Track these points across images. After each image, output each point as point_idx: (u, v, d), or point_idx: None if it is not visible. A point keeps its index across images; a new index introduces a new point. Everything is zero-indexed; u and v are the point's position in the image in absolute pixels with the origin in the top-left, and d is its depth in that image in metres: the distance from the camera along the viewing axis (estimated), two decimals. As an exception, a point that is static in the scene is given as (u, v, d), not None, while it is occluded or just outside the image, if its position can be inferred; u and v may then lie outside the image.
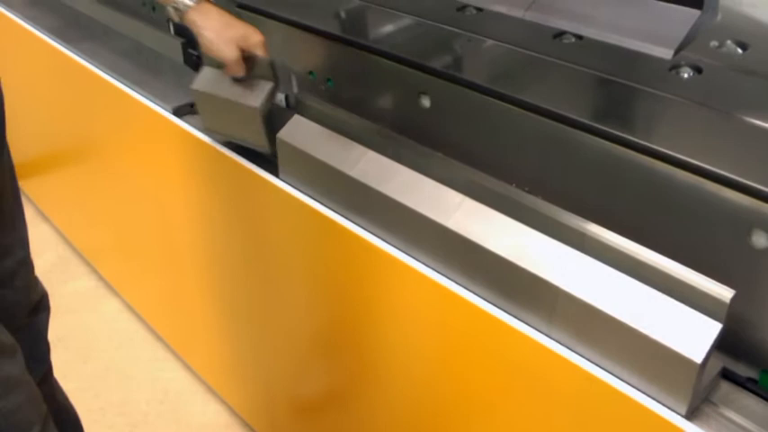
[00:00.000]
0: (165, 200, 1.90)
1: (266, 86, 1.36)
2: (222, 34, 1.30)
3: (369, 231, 1.24)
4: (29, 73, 2.48)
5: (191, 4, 1.30)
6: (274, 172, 1.40)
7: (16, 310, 1.45)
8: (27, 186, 3.11)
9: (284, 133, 1.36)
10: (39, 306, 1.54)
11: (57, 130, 2.53)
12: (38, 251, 2.75)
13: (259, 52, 1.32)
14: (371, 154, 1.26)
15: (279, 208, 1.43)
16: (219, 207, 1.65)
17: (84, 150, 2.37)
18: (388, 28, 1.35)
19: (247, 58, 1.33)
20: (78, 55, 2.02)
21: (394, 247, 1.21)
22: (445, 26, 1.29)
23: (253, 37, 1.31)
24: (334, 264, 1.35)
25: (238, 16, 1.48)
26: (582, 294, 0.97)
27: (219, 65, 1.36)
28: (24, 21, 2.29)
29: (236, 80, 1.37)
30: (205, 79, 1.41)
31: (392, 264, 1.20)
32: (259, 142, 1.41)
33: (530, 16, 1.26)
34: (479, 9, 1.32)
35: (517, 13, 1.26)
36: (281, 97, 1.56)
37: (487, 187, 1.11)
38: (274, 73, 1.36)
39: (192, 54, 1.74)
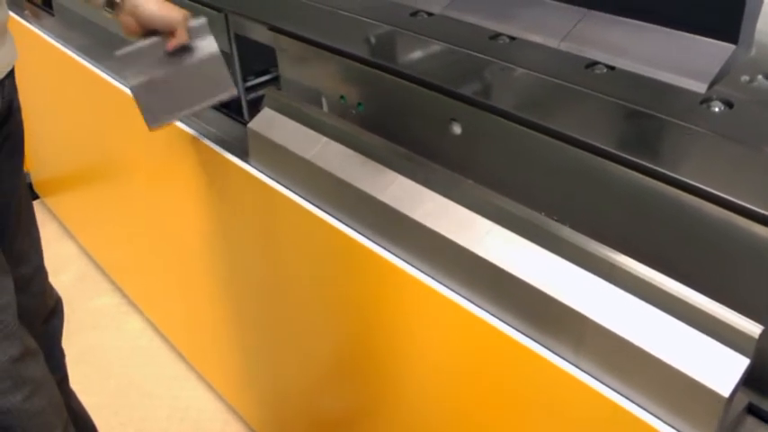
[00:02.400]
0: (188, 219, 1.92)
1: (210, 38, 1.47)
2: (162, 3, 1.39)
3: (397, 256, 1.25)
4: (58, 91, 2.52)
5: None
6: (302, 196, 1.43)
7: (33, 316, 1.50)
8: (52, 203, 3.16)
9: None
10: (53, 311, 1.59)
11: (83, 147, 2.56)
12: (61, 268, 2.82)
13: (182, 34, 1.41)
14: (401, 179, 1.27)
15: (303, 230, 1.45)
16: (241, 227, 1.67)
17: (110, 168, 2.40)
18: (421, 54, 1.37)
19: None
20: (106, 73, 2.05)
21: (421, 271, 1.22)
22: (477, 54, 1.31)
23: (185, 19, 1.42)
24: (358, 286, 1.37)
25: (271, 39, 1.52)
26: (610, 325, 0.98)
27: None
28: (56, 40, 2.34)
29: (174, 54, 1.45)
30: (140, 70, 1.47)
31: (418, 288, 1.21)
32: (228, 87, 1.49)
33: (564, 46, 1.28)
34: (512, 38, 1.34)
35: (552, 43, 1.28)
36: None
37: (517, 215, 1.12)
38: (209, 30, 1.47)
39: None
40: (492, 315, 1.13)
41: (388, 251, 1.27)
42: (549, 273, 1.07)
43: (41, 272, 1.53)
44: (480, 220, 1.17)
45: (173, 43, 1.43)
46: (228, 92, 1.49)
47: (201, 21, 1.47)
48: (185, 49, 1.46)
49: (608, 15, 1.26)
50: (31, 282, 1.49)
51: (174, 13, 1.41)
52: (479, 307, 1.14)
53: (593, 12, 1.28)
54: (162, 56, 1.46)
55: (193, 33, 1.47)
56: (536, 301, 1.06)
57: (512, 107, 1.21)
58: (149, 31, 1.44)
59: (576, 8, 1.29)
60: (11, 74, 1.37)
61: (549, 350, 1.06)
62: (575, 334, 1.02)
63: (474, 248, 1.14)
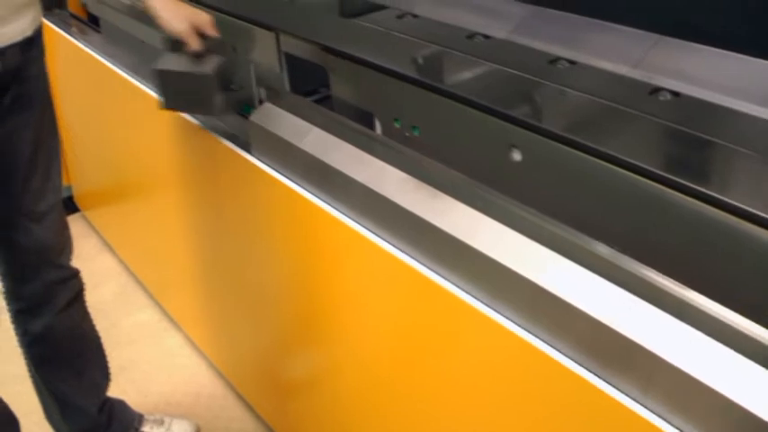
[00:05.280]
0: (229, 234, 1.91)
1: (218, 59, 1.62)
2: (176, 13, 1.59)
3: (455, 284, 1.23)
4: (101, 106, 2.53)
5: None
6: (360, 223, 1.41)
7: (47, 248, 1.78)
8: (92, 217, 3.16)
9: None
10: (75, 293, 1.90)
11: (124, 162, 2.57)
12: (101, 282, 2.82)
13: (208, 30, 1.61)
14: (459, 205, 1.25)
15: (356, 253, 1.43)
16: (287, 245, 1.66)
17: (150, 183, 2.40)
18: (478, 78, 1.35)
19: (203, 37, 1.60)
20: (151, 89, 2.05)
21: (479, 300, 1.19)
22: (536, 78, 1.28)
23: (201, 15, 1.60)
24: (423, 319, 1.34)
25: (323, 59, 1.51)
26: (682, 364, 0.95)
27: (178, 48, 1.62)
28: (101, 55, 2.34)
29: (195, 56, 1.62)
30: (165, 60, 1.66)
31: (477, 318, 1.19)
32: (211, 110, 1.68)
33: (631, 72, 1.25)
34: (571, 62, 1.31)
35: (620, 68, 1.25)
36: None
37: (579, 245, 1.09)
38: (225, 50, 1.64)
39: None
40: (553, 348, 1.10)
41: (445, 279, 1.24)
42: (615, 307, 1.03)
43: (56, 209, 1.78)
44: (541, 249, 1.14)
45: (185, 48, 1.62)
46: (214, 113, 1.70)
47: (217, 37, 1.62)
48: (202, 56, 1.62)
49: (681, 42, 1.23)
50: (45, 216, 1.74)
51: (176, 26, 1.59)
52: (539, 338, 1.11)
53: (665, 38, 1.24)
54: (191, 56, 1.62)
55: (212, 45, 1.62)
56: (602, 335, 1.03)
57: (574, 134, 1.19)
58: None
59: (648, 34, 1.26)
60: (20, 45, 1.55)
61: (615, 388, 1.02)
62: (644, 372, 0.98)
63: (535, 278, 1.11)
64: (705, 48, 1.22)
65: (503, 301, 1.16)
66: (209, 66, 1.61)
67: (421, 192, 1.31)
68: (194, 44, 1.60)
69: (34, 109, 1.67)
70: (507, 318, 1.16)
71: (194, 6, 1.64)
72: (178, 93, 1.68)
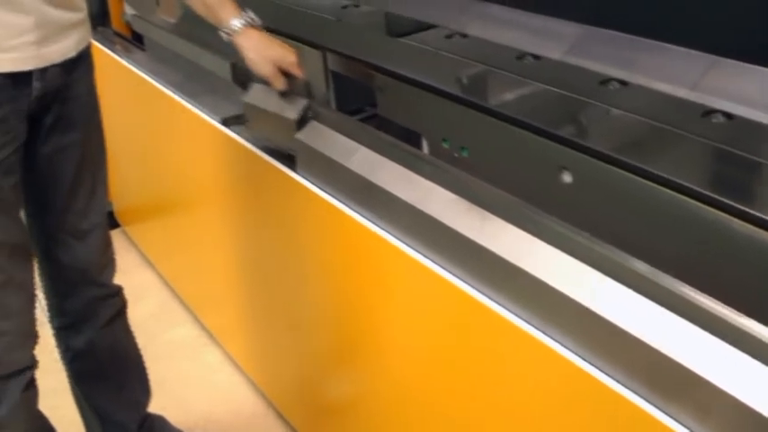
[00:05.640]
0: (272, 251, 1.92)
1: (303, 103, 1.62)
2: (262, 54, 1.58)
3: (505, 307, 1.21)
4: (144, 122, 2.55)
5: (238, 28, 1.58)
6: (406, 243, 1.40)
7: (88, 265, 1.79)
8: (132, 232, 3.19)
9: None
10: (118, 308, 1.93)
11: (165, 178, 2.58)
12: (140, 297, 2.83)
13: (294, 71, 1.59)
14: (510, 228, 1.24)
15: (402, 274, 1.42)
16: (330, 263, 1.66)
17: (190, 199, 2.42)
18: (528, 98, 1.35)
19: (289, 76, 1.60)
20: (195, 106, 2.07)
21: (529, 324, 1.18)
22: (586, 99, 1.27)
23: (288, 57, 1.58)
24: (471, 342, 1.33)
25: (371, 79, 1.50)
26: (741, 395, 0.93)
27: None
28: (145, 73, 2.36)
29: (281, 94, 1.62)
30: (254, 94, 1.68)
31: (527, 342, 1.17)
32: (290, 147, 1.67)
33: (685, 94, 1.23)
34: (623, 82, 1.30)
35: (676, 90, 1.24)
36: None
37: (632, 269, 1.07)
38: (309, 91, 1.63)
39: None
40: (605, 374, 1.08)
41: (495, 301, 1.23)
42: (671, 335, 1.01)
43: (100, 228, 1.79)
44: (593, 273, 1.12)
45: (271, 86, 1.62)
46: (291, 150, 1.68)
47: (301, 80, 1.62)
48: (288, 95, 1.62)
49: (737, 63, 1.21)
50: (88, 234, 1.75)
51: (262, 68, 1.59)
52: (591, 364, 1.10)
53: (721, 59, 1.23)
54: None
55: (297, 86, 1.62)
56: (658, 364, 1.01)
57: (622, 154, 1.18)
58: None
59: (704, 55, 1.24)
60: (62, 65, 1.55)
61: (671, 417, 1.00)
62: (702, 403, 0.96)
63: (587, 303, 1.09)
64: (762, 69, 1.20)
65: (554, 326, 1.15)
66: (294, 110, 1.62)
67: (470, 213, 1.30)
68: (279, 85, 1.61)
69: (78, 129, 1.67)
70: (558, 342, 1.14)
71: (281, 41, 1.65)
72: (262, 126, 1.72)
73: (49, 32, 1.50)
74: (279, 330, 2.06)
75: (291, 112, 1.62)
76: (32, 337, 1.64)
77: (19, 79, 1.48)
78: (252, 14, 1.60)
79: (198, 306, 2.72)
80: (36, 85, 1.51)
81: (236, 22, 1.58)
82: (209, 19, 1.63)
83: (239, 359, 2.47)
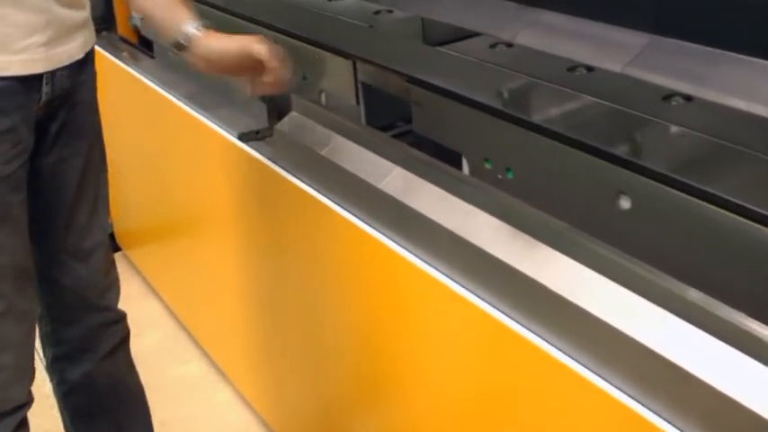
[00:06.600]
0: (290, 280, 1.92)
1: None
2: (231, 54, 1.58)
3: (554, 345, 1.22)
4: (152, 137, 2.57)
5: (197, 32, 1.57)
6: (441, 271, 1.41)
7: (90, 288, 1.81)
8: (135, 257, 3.20)
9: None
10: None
11: (175, 198, 2.60)
12: (144, 329, 2.84)
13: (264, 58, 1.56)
14: (561, 257, 1.24)
15: (439, 306, 1.43)
16: (356, 291, 1.67)
17: (200, 223, 2.45)
18: (582, 115, 1.34)
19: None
20: (212, 120, 2.09)
21: (582, 365, 1.18)
22: (651, 117, 1.27)
23: (256, 45, 1.57)
24: (516, 382, 1.33)
25: (406, 91, 1.51)
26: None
27: None
28: (156, 84, 2.39)
29: None
30: None
31: (580, 384, 1.18)
32: None
33: (762, 111, 1.23)
34: (688, 97, 1.29)
35: (757, 108, 1.23)
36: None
37: (696, 305, 1.07)
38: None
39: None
40: (669, 423, 1.07)
41: (543, 339, 1.23)
42: (740, 377, 1.01)
43: (103, 248, 1.82)
44: (655, 309, 1.12)
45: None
46: None
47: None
48: None
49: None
50: (90, 255, 1.78)
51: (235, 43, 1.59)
52: (653, 411, 1.09)
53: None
54: None
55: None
56: (726, 410, 1.00)
57: (688, 178, 1.17)
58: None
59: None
60: (70, 68, 1.60)
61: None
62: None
63: (647, 342, 1.09)
64: None
65: (610, 367, 1.15)
66: None
67: (516, 241, 1.30)
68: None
69: (84, 138, 1.71)
70: (615, 386, 1.14)
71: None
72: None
73: (57, 33, 1.54)
74: (296, 367, 2.07)
75: None
76: (30, 373, 1.66)
77: (29, 84, 1.52)
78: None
79: (207, 339, 2.72)
80: (45, 89, 1.55)
81: (192, 25, 1.58)
82: (158, 27, 1.66)
83: (252, 398, 2.47)
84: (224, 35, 1.58)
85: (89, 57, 1.68)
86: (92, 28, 1.69)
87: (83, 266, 1.77)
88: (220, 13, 2.19)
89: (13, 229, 1.56)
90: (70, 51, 1.59)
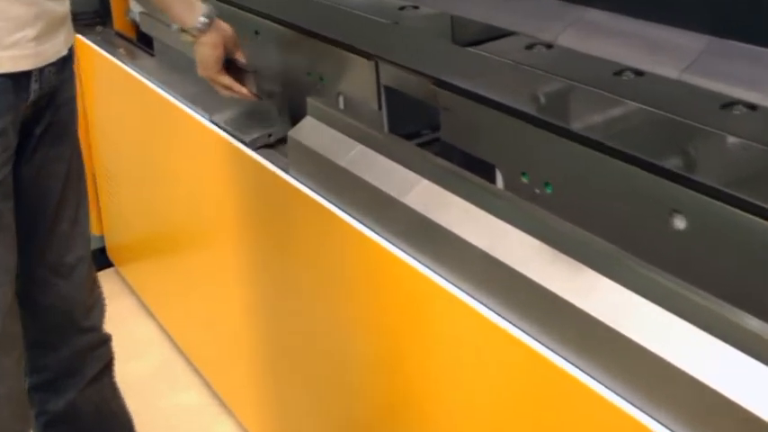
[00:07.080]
0: (301, 301, 1.91)
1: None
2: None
3: (603, 384, 1.19)
4: (150, 142, 2.57)
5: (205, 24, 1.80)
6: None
7: (73, 305, 1.83)
8: (128, 273, 3.20)
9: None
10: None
11: (172, 209, 2.61)
12: (138, 353, 2.82)
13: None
14: (606, 282, 1.22)
15: (470, 334, 1.41)
16: (374, 314, 1.66)
17: (204, 235, 2.44)
18: (630, 125, 1.33)
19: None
20: (219, 126, 2.09)
21: (634, 405, 1.15)
22: (709, 127, 1.24)
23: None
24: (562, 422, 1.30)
25: (435, 96, 1.49)
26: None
27: None
28: (157, 84, 2.39)
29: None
30: None
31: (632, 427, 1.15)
32: None
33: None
34: (752, 106, 1.26)
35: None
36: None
37: (761, 337, 1.05)
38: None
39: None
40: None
41: (590, 375, 1.21)
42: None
43: (85, 263, 1.84)
44: (714, 341, 1.10)
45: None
46: None
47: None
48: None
49: None
50: (73, 270, 1.79)
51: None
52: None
53: None
54: None
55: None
56: None
57: (748, 194, 1.15)
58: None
59: None
60: (56, 65, 1.63)
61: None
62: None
63: (709, 381, 1.07)
64: None
65: (666, 408, 1.13)
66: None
67: (556, 263, 1.29)
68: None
69: (66, 141, 1.74)
70: (667, 427, 1.12)
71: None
72: None
73: (46, 27, 1.56)
74: (306, 397, 2.05)
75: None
76: (23, 405, 1.66)
77: (18, 82, 1.54)
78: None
79: (206, 365, 2.72)
80: (34, 87, 1.57)
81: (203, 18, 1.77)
82: (170, 15, 1.84)
83: (256, 431, 2.45)
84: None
85: (71, 53, 1.71)
86: (70, 23, 1.71)
87: (65, 283, 1.78)
88: (234, 9, 2.19)
89: (7, 239, 1.56)
90: (57, 47, 1.62)
